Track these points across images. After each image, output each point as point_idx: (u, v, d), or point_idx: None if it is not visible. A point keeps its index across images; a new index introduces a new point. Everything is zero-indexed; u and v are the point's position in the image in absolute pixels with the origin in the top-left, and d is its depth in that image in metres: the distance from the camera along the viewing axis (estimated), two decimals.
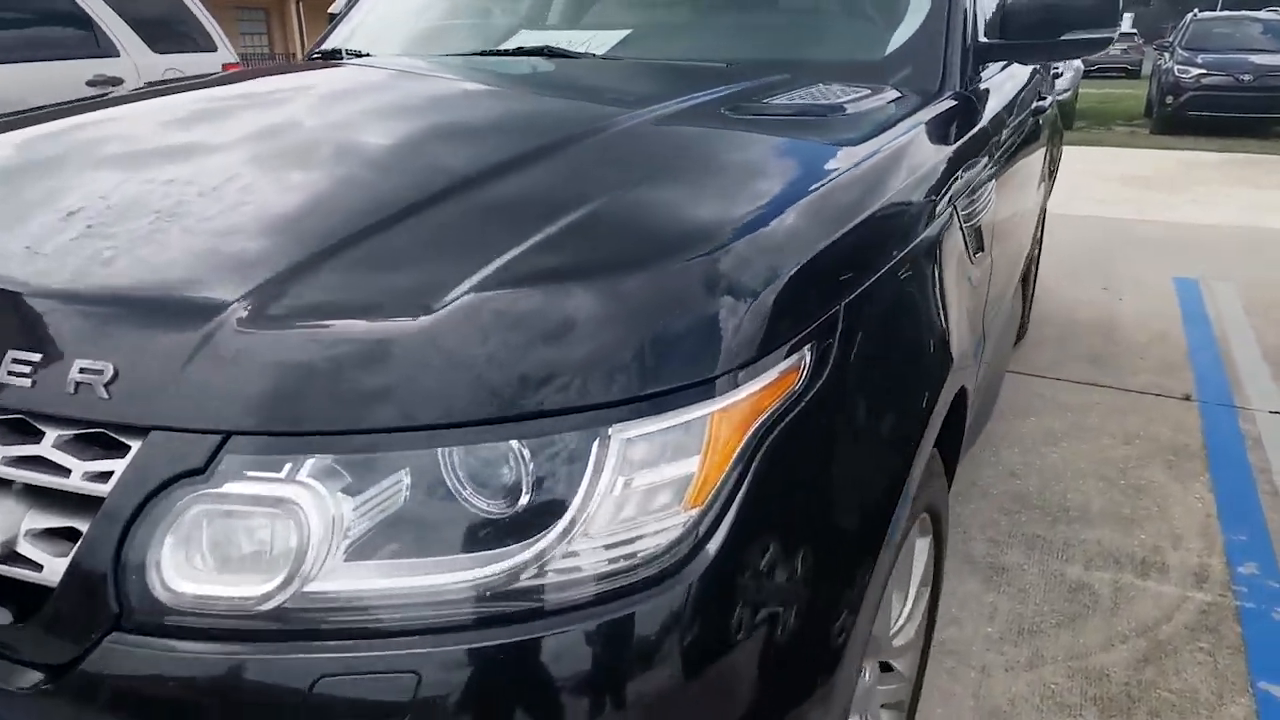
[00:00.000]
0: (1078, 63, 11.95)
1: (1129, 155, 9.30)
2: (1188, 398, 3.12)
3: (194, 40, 5.87)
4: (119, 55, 5.29)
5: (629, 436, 0.71)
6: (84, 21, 5.15)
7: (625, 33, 1.77)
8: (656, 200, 0.91)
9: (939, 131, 1.33)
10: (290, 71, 1.67)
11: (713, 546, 0.73)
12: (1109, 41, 1.76)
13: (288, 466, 0.69)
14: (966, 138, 1.43)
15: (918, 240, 1.11)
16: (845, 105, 1.26)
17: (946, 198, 1.25)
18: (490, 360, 0.71)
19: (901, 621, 1.27)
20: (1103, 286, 4.49)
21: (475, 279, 0.75)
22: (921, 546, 1.31)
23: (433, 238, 0.83)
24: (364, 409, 0.70)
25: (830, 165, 1.04)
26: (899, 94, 1.43)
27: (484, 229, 0.84)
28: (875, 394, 0.94)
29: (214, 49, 5.87)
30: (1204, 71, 10.96)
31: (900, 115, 1.30)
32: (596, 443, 0.71)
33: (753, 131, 1.14)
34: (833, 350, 0.87)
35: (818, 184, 0.98)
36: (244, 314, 0.73)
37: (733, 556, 0.74)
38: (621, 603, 0.71)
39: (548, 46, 1.69)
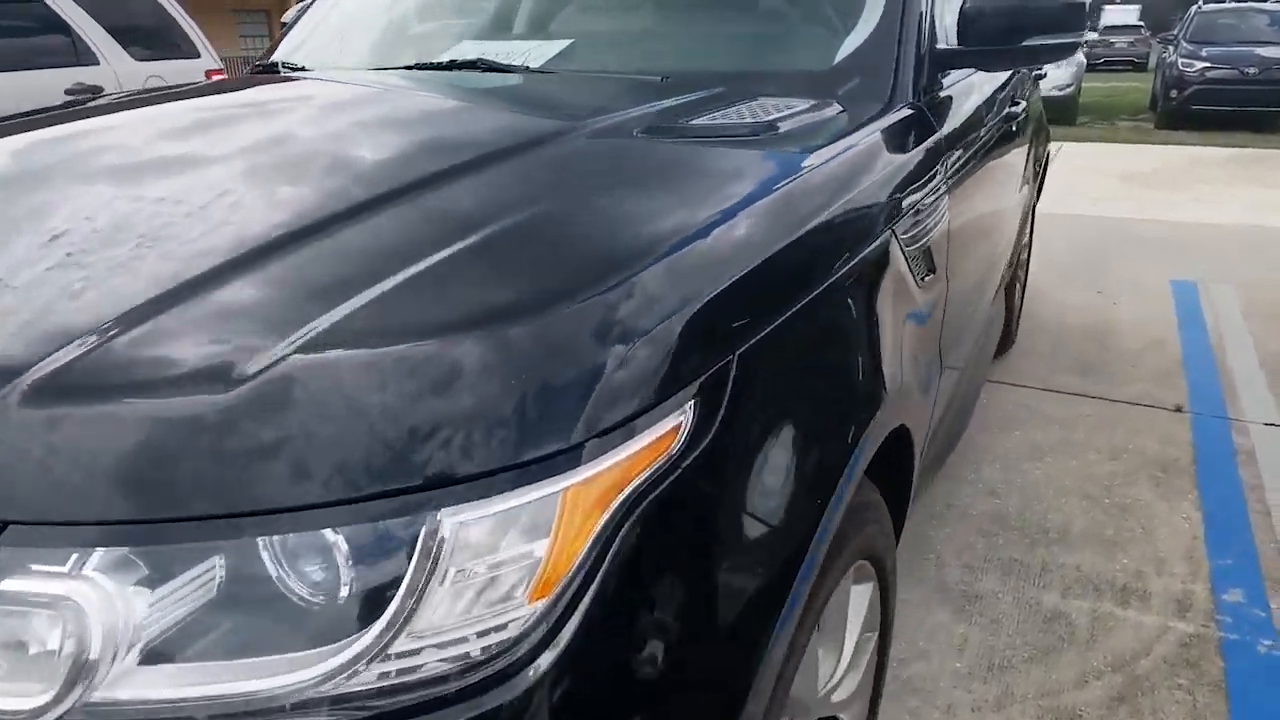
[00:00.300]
0: (1080, 57, 11.81)
1: (1131, 151, 9.15)
2: (1179, 409, 3.02)
3: (176, 46, 5.82)
4: (99, 63, 5.24)
5: (461, 520, 0.63)
6: (62, 29, 5.09)
7: (566, 44, 1.68)
8: (521, 244, 0.83)
9: (878, 150, 1.24)
10: (204, 93, 1.59)
11: (563, 643, 0.65)
12: (1075, 48, 1.67)
13: (73, 559, 0.61)
14: (913, 154, 1.34)
15: (839, 273, 1.02)
16: (774, 124, 1.17)
17: (882, 222, 1.16)
18: (301, 438, 0.62)
19: (839, 676, 1.18)
20: (1097, 290, 4.38)
21: (292, 343, 0.67)
22: (860, 594, 1.22)
23: (259, 293, 0.75)
24: (160, 493, 0.62)
25: (736, 196, 0.95)
26: (840, 108, 1.34)
27: (321, 280, 0.76)
28: (778, 447, 0.85)
29: (196, 55, 5.82)
30: (1208, 65, 10.79)
31: (834, 133, 1.21)
32: (423, 529, 0.62)
33: (660, 158, 1.05)
34: (723, 404, 0.78)
35: (716, 218, 0.89)
36: (28, 387, 0.65)
37: (587, 654, 0.65)
38: (455, 710, 0.62)
39: (481, 59, 1.60)
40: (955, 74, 1.80)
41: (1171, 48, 11.96)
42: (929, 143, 1.42)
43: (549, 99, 1.36)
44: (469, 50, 1.70)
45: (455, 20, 1.84)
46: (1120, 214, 6.12)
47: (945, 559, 2.20)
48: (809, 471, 0.88)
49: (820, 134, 1.20)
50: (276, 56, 2.04)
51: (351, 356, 0.66)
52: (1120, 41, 26.91)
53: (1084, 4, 1.67)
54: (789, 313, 0.90)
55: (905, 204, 1.26)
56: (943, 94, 1.69)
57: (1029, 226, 3.60)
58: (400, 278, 0.75)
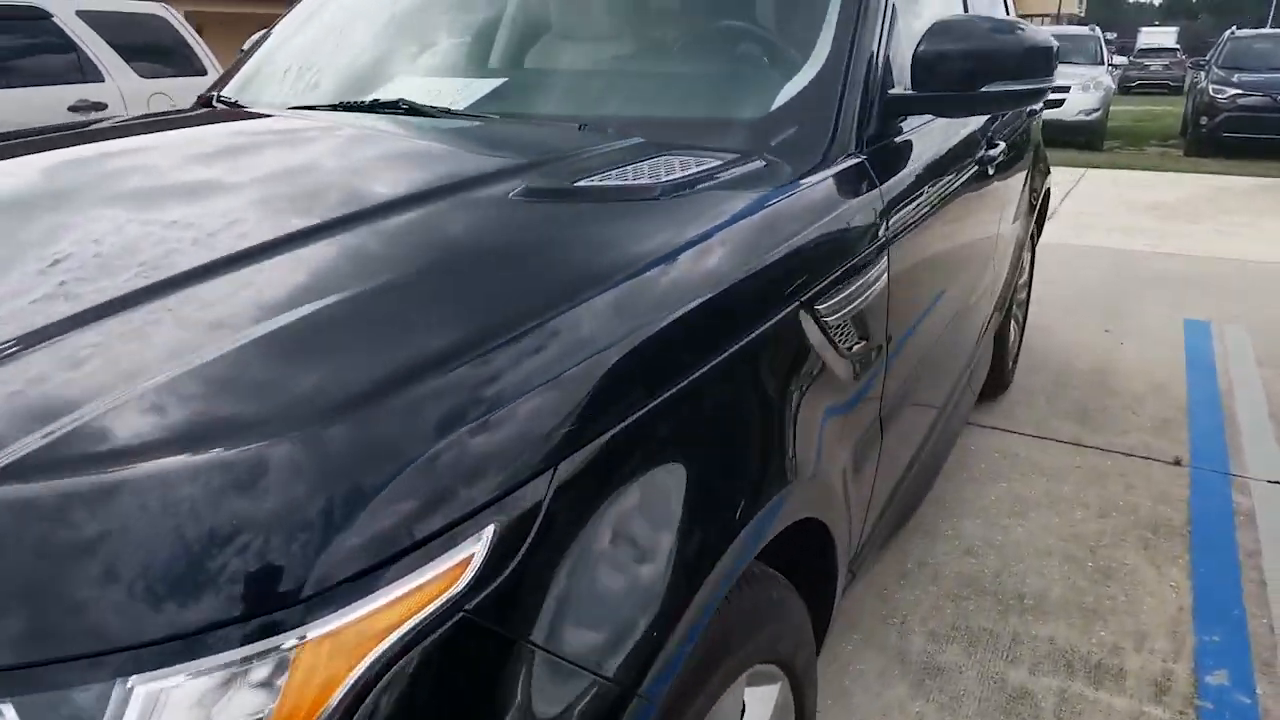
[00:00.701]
0: (1108, 81, 11.58)
1: (1156, 180, 8.93)
2: (1178, 462, 2.86)
3: (186, 63, 5.84)
4: (104, 80, 5.27)
5: (162, 688, 0.54)
6: (67, 46, 5.13)
7: (496, 83, 1.60)
8: (295, 340, 0.73)
9: (793, 213, 1.14)
10: (122, 132, 1.53)
11: None
12: (1040, 95, 1.56)
13: None
14: (841, 214, 1.24)
15: (718, 359, 0.92)
16: (675, 185, 1.08)
17: (785, 296, 1.06)
18: None
19: None
20: (1105, 328, 4.22)
21: None
22: (761, 699, 1.11)
23: None
24: None
25: (596, 275, 0.86)
26: (762, 164, 1.24)
27: (60, 386, 0.67)
28: (617, 562, 0.75)
29: (204, 72, 5.84)
30: (1240, 92, 10.53)
31: (743, 196, 1.11)
32: (113, 698, 0.53)
33: (524, 227, 0.95)
34: (534, 525, 0.69)
35: (559, 306, 0.79)
36: None
37: None
38: None
39: (403, 100, 1.52)
40: (925, 116, 1.70)
41: (1203, 73, 11.70)
42: (865, 199, 1.31)
43: (445, 150, 1.27)
44: (396, 89, 1.62)
45: (397, 54, 1.77)
46: (1138, 246, 5.94)
47: (910, 625, 2.07)
48: (661, 584, 0.78)
49: (725, 197, 1.10)
50: (228, 87, 1.99)
51: (37, 492, 0.57)
52: (1155, 64, 26.51)
53: (1050, 48, 1.56)
54: (643, 411, 0.80)
55: (823, 273, 1.15)
56: (899, 140, 1.59)
57: (1026, 263, 3.46)
58: (148, 386, 0.65)
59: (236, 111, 1.75)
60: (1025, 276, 3.48)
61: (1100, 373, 3.65)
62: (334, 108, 1.62)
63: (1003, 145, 2.17)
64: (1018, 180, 2.72)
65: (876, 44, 1.51)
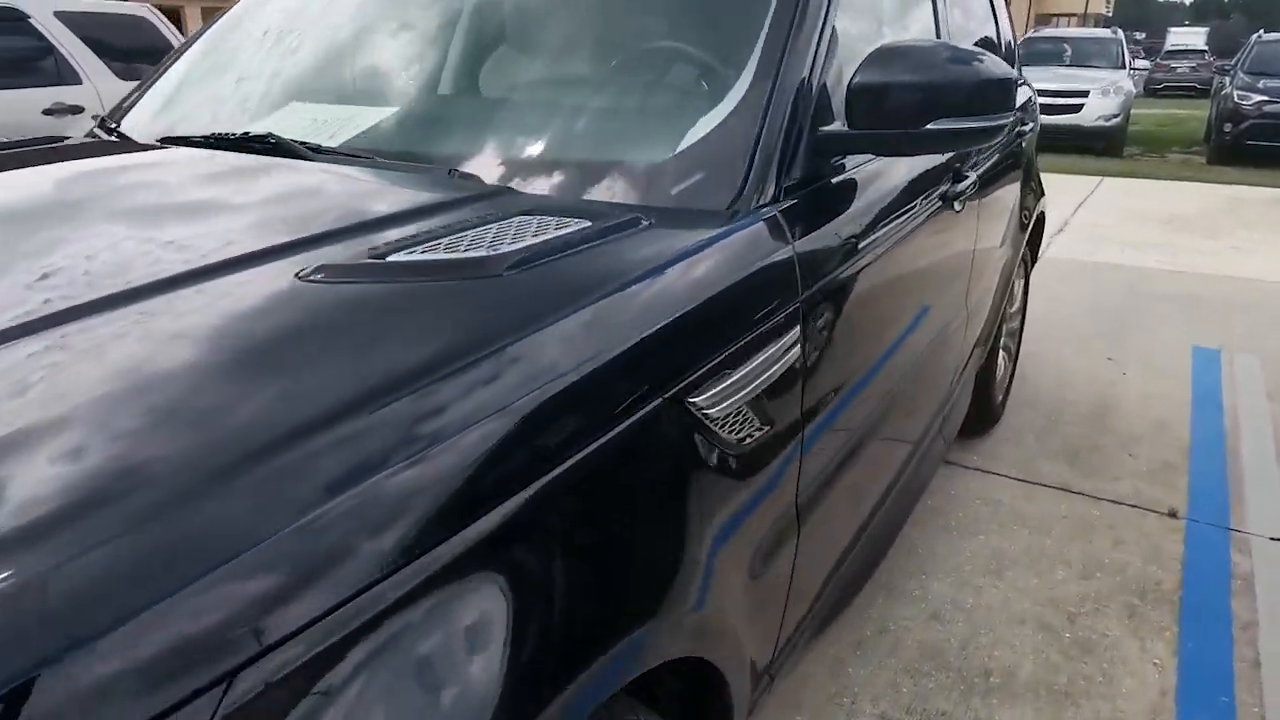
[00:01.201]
0: (1129, 86, 11.27)
1: (1175, 190, 8.63)
2: (1174, 514, 2.65)
3: None
4: (81, 82, 5.16)
5: None
6: (44, 48, 5.02)
7: (382, 115, 1.43)
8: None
9: (675, 288, 0.96)
10: None
11: None
12: (994, 133, 1.37)
13: None
14: (743, 283, 1.06)
15: (541, 483, 0.75)
16: (528, 256, 0.90)
17: (646, 392, 0.88)
18: None
19: None
20: (1108, 355, 3.99)
21: None
22: None
23: None
24: None
25: (380, 382, 0.69)
26: (645, 224, 1.06)
27: None
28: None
29: None
30: (1266, 98, 10.18)
31: (614, 269, 0.93)
32: None
33: (299, 322, 0.78)
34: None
35: (316, 426, 0.63)
36: None
37: None
38: None
39: (271, 134, 1.36)
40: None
41: (1228, 78, 11.34)
42: (774, 259, 1.13)
43: (255, 207, 1.08)
44: (275, 121, 1.46)
45: (293, 79, 1.60)
46: (1151, 263, 5.68)
47: (860, 705, 1.89)
48: None
49: (588, 269, 0.92)
50: (132, 112, 1.83)
51: None
52: (1182, 66, 25.97)
53: (1008, 79, 1.37)
54: (456, 540, 0.64)
55: (706, 356, 0.97)
56: (835, 182, 1.40)
57: (1018, 291, 3.25)
58: None
59: (90, 144, 1.59)
60: (1018, 304, 3.27)
61: (1098, 407, 3.43)
62: (206, 140, 1.45)
63: (974, 177, 1.97)
64: (1003, 207, 2.52)
65: (808, 73, 1.33)
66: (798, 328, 1.16)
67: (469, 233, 0.97)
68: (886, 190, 1.52)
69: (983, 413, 3.01)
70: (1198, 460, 3.00)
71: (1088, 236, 6.44)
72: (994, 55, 1.37)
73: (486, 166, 1.24)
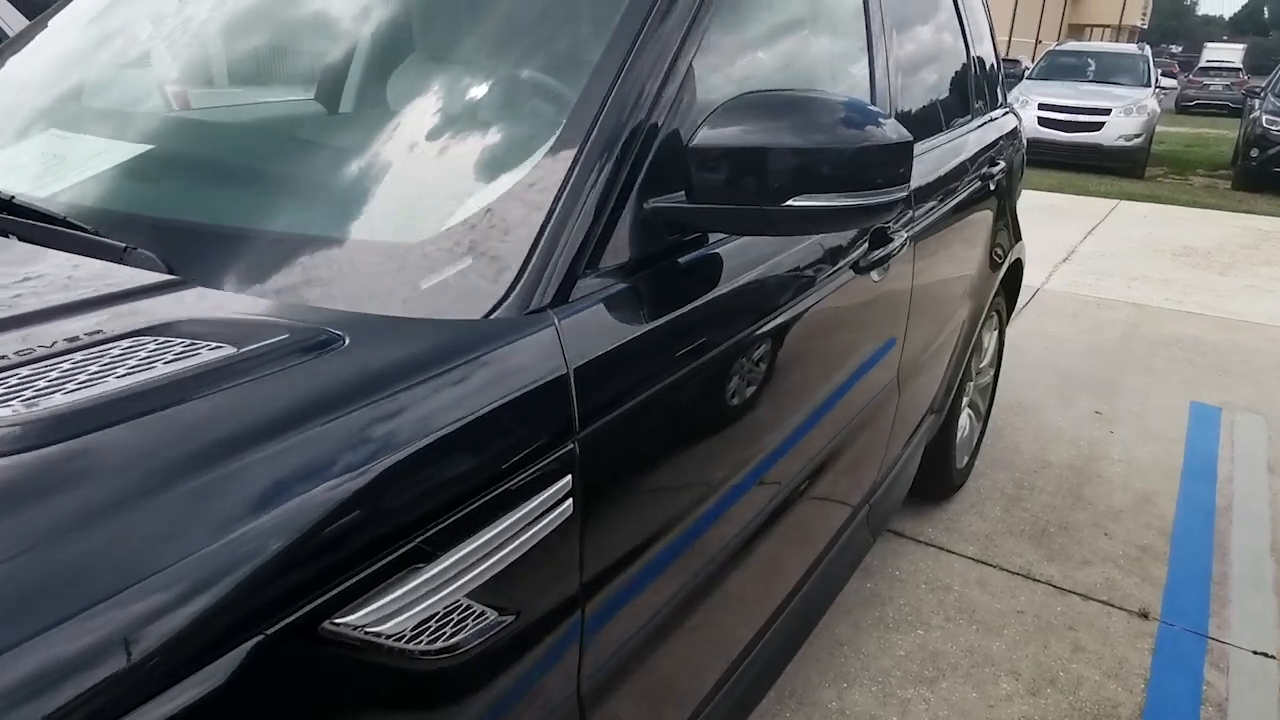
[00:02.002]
0: (1153, 106, 10.86)
1: (1194, 218, 8.23)
2: (1145, 614, 2.33)
3: None
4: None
5: None
6: None
7: (111, 156, 1.14)
8: None
9: (323, 459, 0.67)
10: None
11: None
12: (880, 212, 1.07)
13: None
14: (457, 436, 0.77)
15: None
16: (71, 418, 0.62)
17: (284, 605, 0.60)
18: None
19: None
20: (1097, 409, 3.66)
21: None
22: None
23: None
24: None
25: None
26: (337, 346, 0.77)
27: None
28: None
29: None
30: None
31: (232, 433, 0.64)
32: None
33: None
34: None
35: None
36: None
37: None
38: None
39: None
40: None
41: (1258, 100, 10.88)
42: (526, 391, 0.83)
43: None
44: (5, 158, 1.18)
45: (48, 106, 1.32)
46: (1157, 301, 5.33)
47: None
48: None
49: (163, 437, 0.64)
50: None
51: None
52: (1216, 84, 25.30)
53: (902, 146, 1.07)
54: None
55: (377, 554, 0.69)
56: (675, 265, 1.10)
57: (989, 345, 2.93)
58: None
59: None
60: (988, 359, 2.95)
61: (1077, 472, 3.11)
62: None
63: (903, 239, 1.66)
64: (961, 261, 2.21)
65: (642, 122, 1.03)
66: (568, 478, 0.86)
67: (28, 369, 0.68)
68: (757, 269, 1.22)
69: (940, 481, 2.70)
70: (1180, 546, 2.67)
71: (1093, 268, 6.08)
72: (882, 113, 1.07)
73: (175, 244, 0.95)
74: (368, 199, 1.01)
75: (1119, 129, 10.63)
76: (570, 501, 0.87)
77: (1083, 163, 10.88)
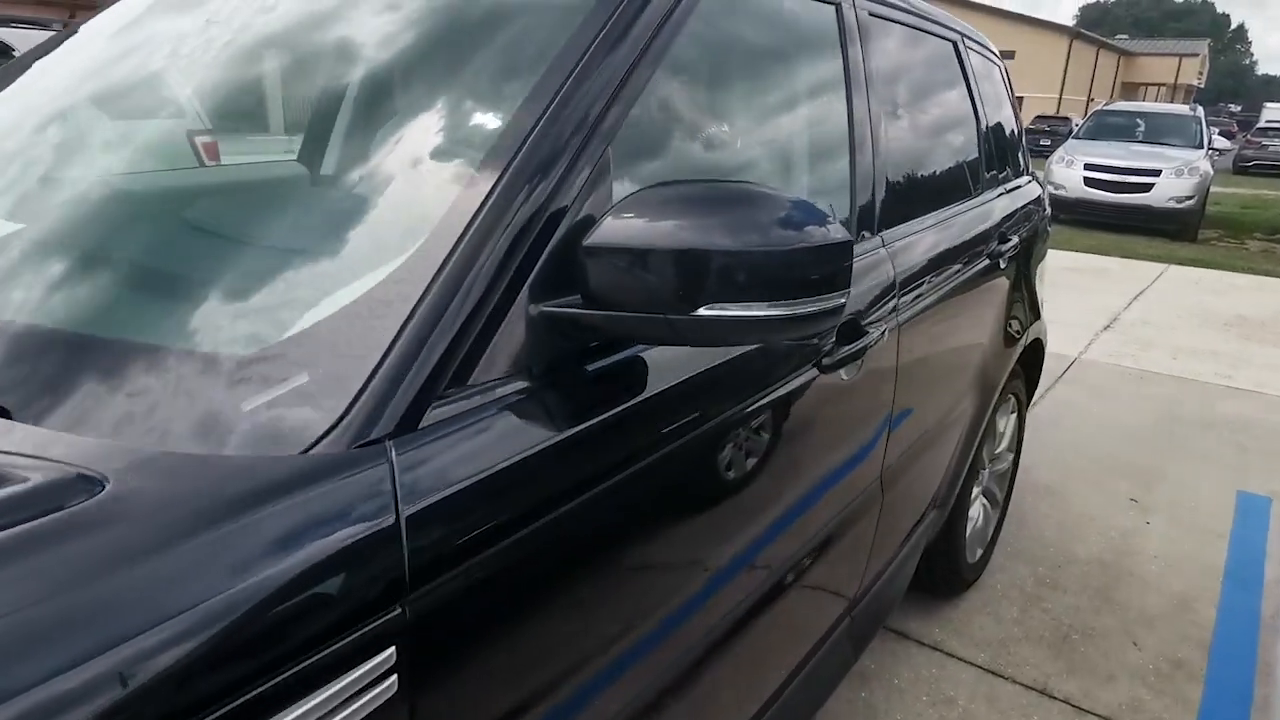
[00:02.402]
0: (1206, 167, 10.56)
1: (1248, 285, 7.87)
2: None
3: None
4: None
5: None
6: None
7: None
8: None
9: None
10: None
11: None
12: (812, 322, 0.92)
13: None
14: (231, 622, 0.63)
15: None
16: None
17: None
18: None
19: None
20: (1132, 496, 3.40)
21: None
22: None
23: None
24: None
25: None
26: (88, 498, 0.64)
27: None
28: None
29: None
30: None
31: None
32: None
33: None
34: None
35: None
36: None
37: None
38: None
39: None
40: None
41: None
42: (344, 548, 0.69)
43: None
44: None
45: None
46: (1205, 375, 5.02)
47: None
48: None
49: None
50: None
51: None
52: (1275, 144, 24.64)
53: (839, 247, 0.93)
54: None
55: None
56: (596, 369, 0.97)
57: (1005, 429, 2.72)
58: None
59: None
60: (1005, 445, 2.74)
61: (1106, 569, 2.85)
62: None
63: (881, 331, 1.50)
64: (963, 348, 2.03)
65: (527, 219, 0.90)
66: (390, 650, 0.71)
67: None
68: (688, 373, 1.07)
69: (949, 577, 2.49)
70: (1220, 662, 2.40)
71: (1137, 338, 5.79)
72: (808, 205, 0.92)
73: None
74: (171, 294, 0.89)
75: (1169, 191, 10.32)
76: (394, 679, 0.72)
77: (1131, 224, 10.56)
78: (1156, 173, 10.40)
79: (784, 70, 1.43)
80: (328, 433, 0.74)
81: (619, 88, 1.02)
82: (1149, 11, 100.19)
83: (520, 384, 0.88)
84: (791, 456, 1.29)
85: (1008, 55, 42.77)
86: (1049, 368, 4.79)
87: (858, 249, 1.52)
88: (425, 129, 1.00)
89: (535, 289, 0.90)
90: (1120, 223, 10.61)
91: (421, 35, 1.13)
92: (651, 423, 1.01)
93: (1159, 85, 53.92)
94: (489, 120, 0.96)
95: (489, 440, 0.83)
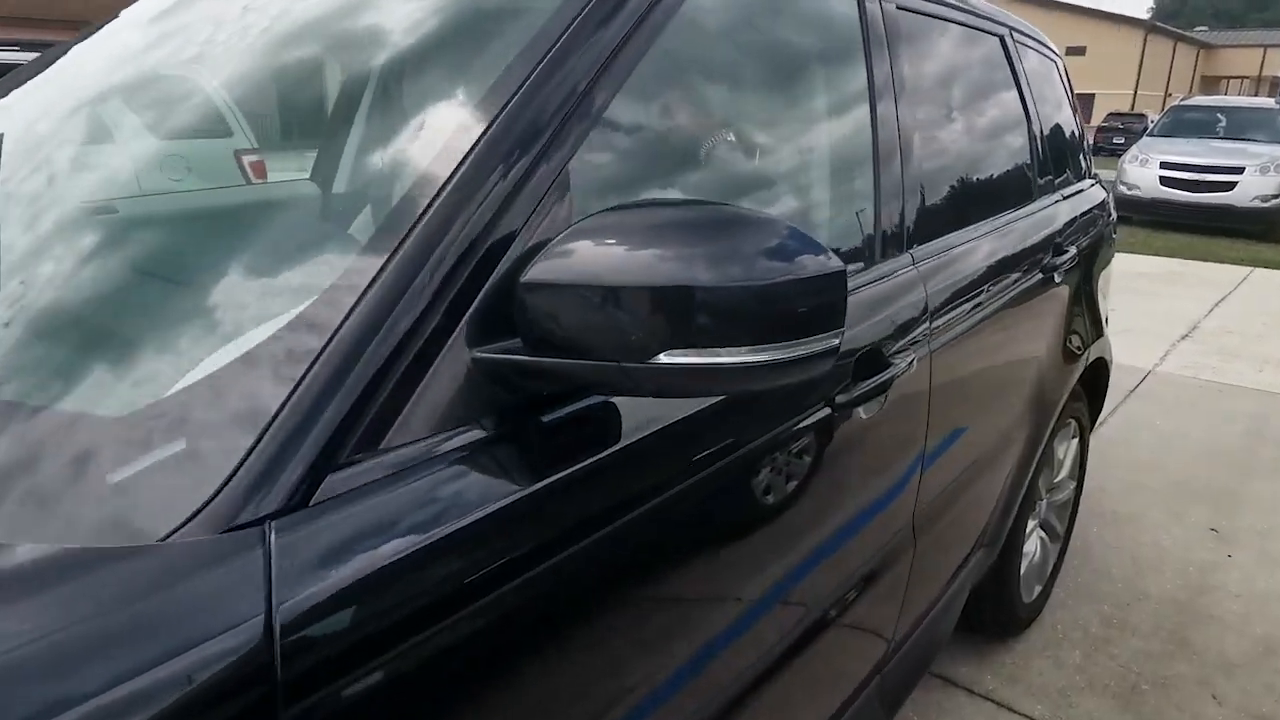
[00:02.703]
0: None
1: None
2: None
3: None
4: None
5: None
6: None
7: None
8: None
9: None
10: None
11: None
12: (794, 370, 0.77)
13: None
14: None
15: None
16: None
17: None
18: None
19: None
20: (1212, 526, 3.12)
21: None
22: None
23: None
24: None
25: None
26: None
27: None
28: None
29: None
30: None
31: None
32: None
33: None
34: None
35: None
36: None
37: None
38: None
39: None
40: None
41: None
42: (174, 659, 0.57)
43: None
44: None
45: None
46: None
47: None
48: None
49: None
50: None
51: None
52: None
53: (830, 279, 0.78)
54: None
55: None
56: (554, 419, 0.84)
57: (1062, 457, 2.50)
58: None
59: None
60: (1065, 473, 2.51)
61: (1182, 609, 2.60)
62: None
63: (909, 361, 1.33)
64: (1012, 372, 1.84)
65: (463, 250, 0.78)
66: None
67: None
68: (664, 422, 0.93)
69: (1002, 618, 2.28)
70: None
71: (1219, 348, 5.41)
72: (793, 230, 0.77)
73: None
74: (25, 340, 0.78)
75: (1254, 189, 9.74)
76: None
77: (1211, 225, 10.01)
78: (1240, 170, 9.84)
79: (790, 72, 1.28)
80: (196, 514, 0.62)
81: (584, 95, 0.89)
82: (1230, 2, 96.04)
83: (453, 443, 0.76)
84: (798, 510, 1.14)
85: (1078, 51, 41.38)
86: (1120, 382, 4.49)
87: (883, 269, 1.36)
88: (346, 149, 0.89)
89: (473, 330, 0.78)
90: (1200, 224, 10.06)
91: (345, 42, 1.02)
92: (622, 481, 0.88)
93: (1241, 78, 51.55)
94: (422, 138, 0.84)
95: (403, 514, 0.70)
